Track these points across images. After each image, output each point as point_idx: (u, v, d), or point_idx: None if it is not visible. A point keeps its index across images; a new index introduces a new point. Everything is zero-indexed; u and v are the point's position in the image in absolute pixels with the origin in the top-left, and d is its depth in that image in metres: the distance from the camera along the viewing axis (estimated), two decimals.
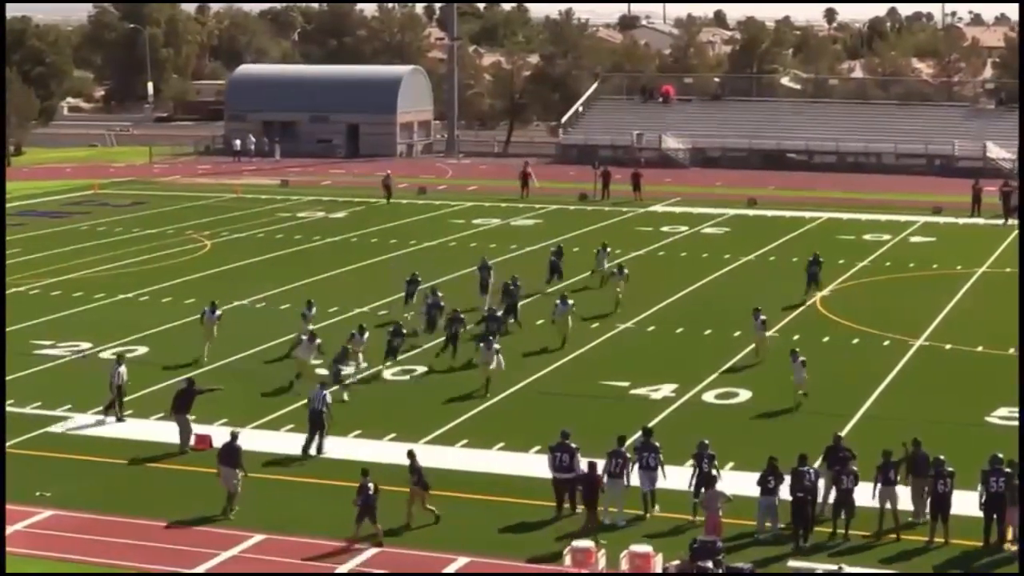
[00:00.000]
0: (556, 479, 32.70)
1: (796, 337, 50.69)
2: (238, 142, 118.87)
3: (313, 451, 37.12)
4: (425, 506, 32.02)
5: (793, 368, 41.65)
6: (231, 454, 32.92)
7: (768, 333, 47.78)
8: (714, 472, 32.07)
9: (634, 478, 32.49)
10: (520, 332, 50.63)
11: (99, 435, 38.97)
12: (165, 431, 38.83)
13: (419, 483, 31.95)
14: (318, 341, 44.18)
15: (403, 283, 55.28)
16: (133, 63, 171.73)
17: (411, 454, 32.54)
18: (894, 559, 30.09)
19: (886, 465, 31.52)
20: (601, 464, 32.09)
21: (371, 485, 31.23)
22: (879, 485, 31.35)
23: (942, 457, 31.46)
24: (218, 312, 48.08)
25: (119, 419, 40.04)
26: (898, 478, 31.55)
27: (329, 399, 37.60)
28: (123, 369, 40.42)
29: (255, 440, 37.43)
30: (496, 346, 43.43)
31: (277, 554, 30.31)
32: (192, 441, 37.62)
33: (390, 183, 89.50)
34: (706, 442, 32.80)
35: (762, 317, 47.34)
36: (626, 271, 56.08)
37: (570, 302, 49.81)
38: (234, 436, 33.49)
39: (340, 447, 37.36)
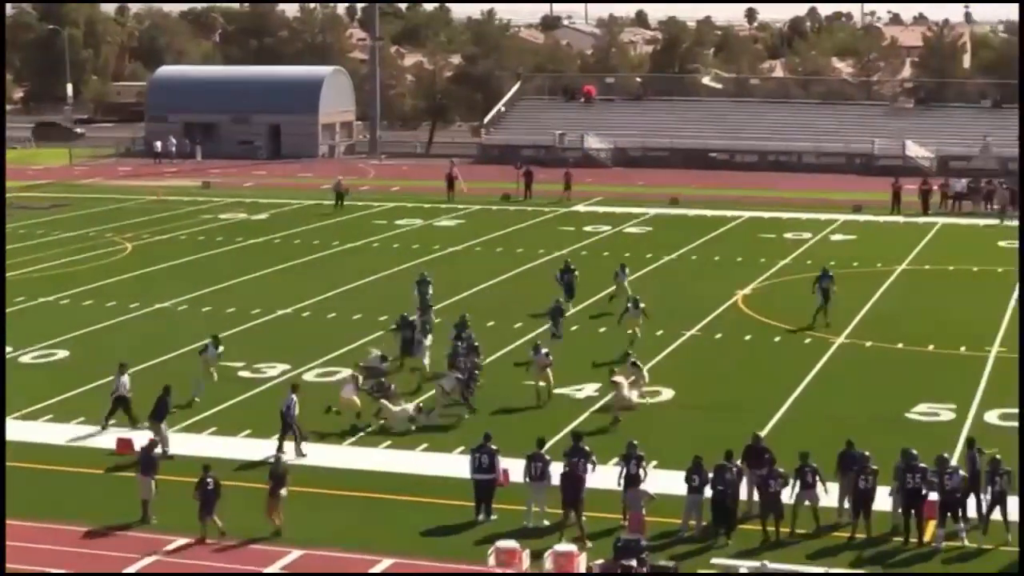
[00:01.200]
0: (476, 480, 32.74)
1: (718, 336, 50.92)
2: (159, 144, 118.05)
3: (290, 452, 36.93)
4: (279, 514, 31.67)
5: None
6: (148, 463, 32.68)
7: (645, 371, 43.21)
8: (641, 473, 32.12)
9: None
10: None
11: (18, 440, 38.46)
12: (86, 436, 38.62)
13: (275, 489, 31.62)
14: (360, 380, 41.33)
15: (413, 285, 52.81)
16: (52, 64, 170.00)
17: (278, 459, 32.15)
18: (817, 555, 30.26)
19: (803, 467, 31.77)
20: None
21: (210, 480, 31.22)
22: (796, 487, 31.59)
23: (867, 453, 31.73)
24: (221, 348, 43.87)
25: (135, 427, 38.94)
26: (816, 480, 31.71)
27: (293, 402, 37.30)
28: (126, 378, 39.76)
29: (180, 443, 37.26)
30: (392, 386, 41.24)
31: (200, 557, 30.16)
32: (115, 445, 37.40)
33: (341, 188, 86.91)
34: (635, 443, 32.83)
35: (632, 359, 43.68)
36: (642, 305, 50.03)
37: (544, 351, 43.37)
38: (152, 444, 33.25)
39: (261, 450, 37.18)
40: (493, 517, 32.32)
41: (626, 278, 56.57)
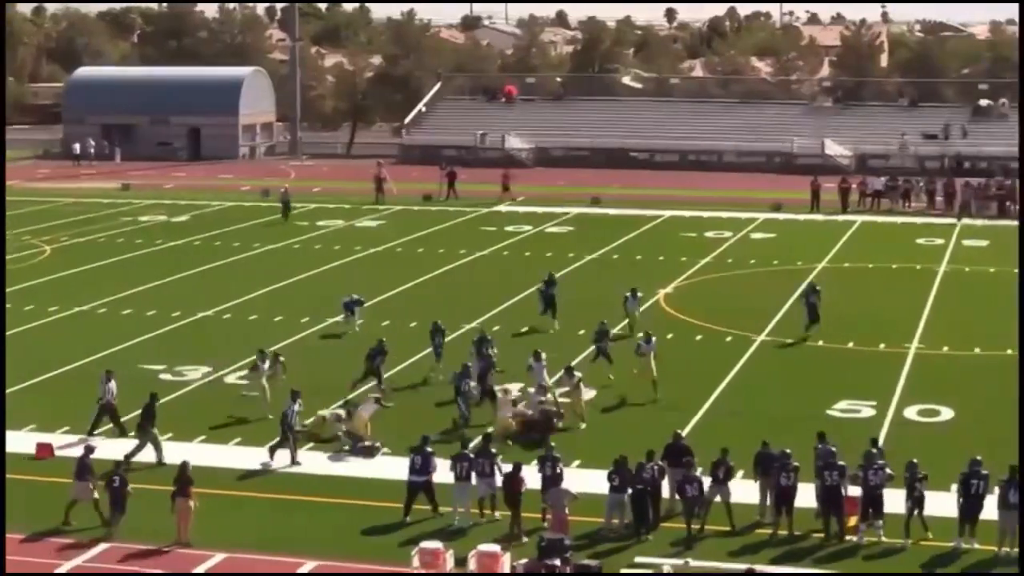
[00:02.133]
0: (410, 481, 32.72)
1: (640, 335, 51.02)
2: (77, 146, 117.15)
3: (297, 460, 36.74)
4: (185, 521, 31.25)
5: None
6: (83, 469, 32.39)
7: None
8: (558, 471, 32.17)
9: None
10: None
11: None
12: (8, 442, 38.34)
13: (181, 493, 31.18)
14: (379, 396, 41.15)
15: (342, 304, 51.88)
16: None
17: (184, 464, 31.84)
18: (739, 552, 30.44)
19: (717, 463, 32.04)
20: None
21: (116, 478, 31.12)
22: (709, 482, 31.78)
23: (788, 451, 31.94)
24: (268, 363, 42.18)
25: (122, 434, 38.49)
26: (723, 477, 31.91)
27: (293, 412, 36.96)
28: (113, 384, 39.11)
29: (102, 448, 36.93)
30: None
31: (122, 561, 29.95)
32: (34, 450, 37.07)
33: (288, 199, 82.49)
34: (552, 444, 32.96)
35: (578, 374, 41.50)
36: (654, 339, 44.23)
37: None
38: (88, 451, 32.97)
39: (183, 454, 36.89)
40: (407, 519, 32.27)
41: (637, 305, 52.71)
